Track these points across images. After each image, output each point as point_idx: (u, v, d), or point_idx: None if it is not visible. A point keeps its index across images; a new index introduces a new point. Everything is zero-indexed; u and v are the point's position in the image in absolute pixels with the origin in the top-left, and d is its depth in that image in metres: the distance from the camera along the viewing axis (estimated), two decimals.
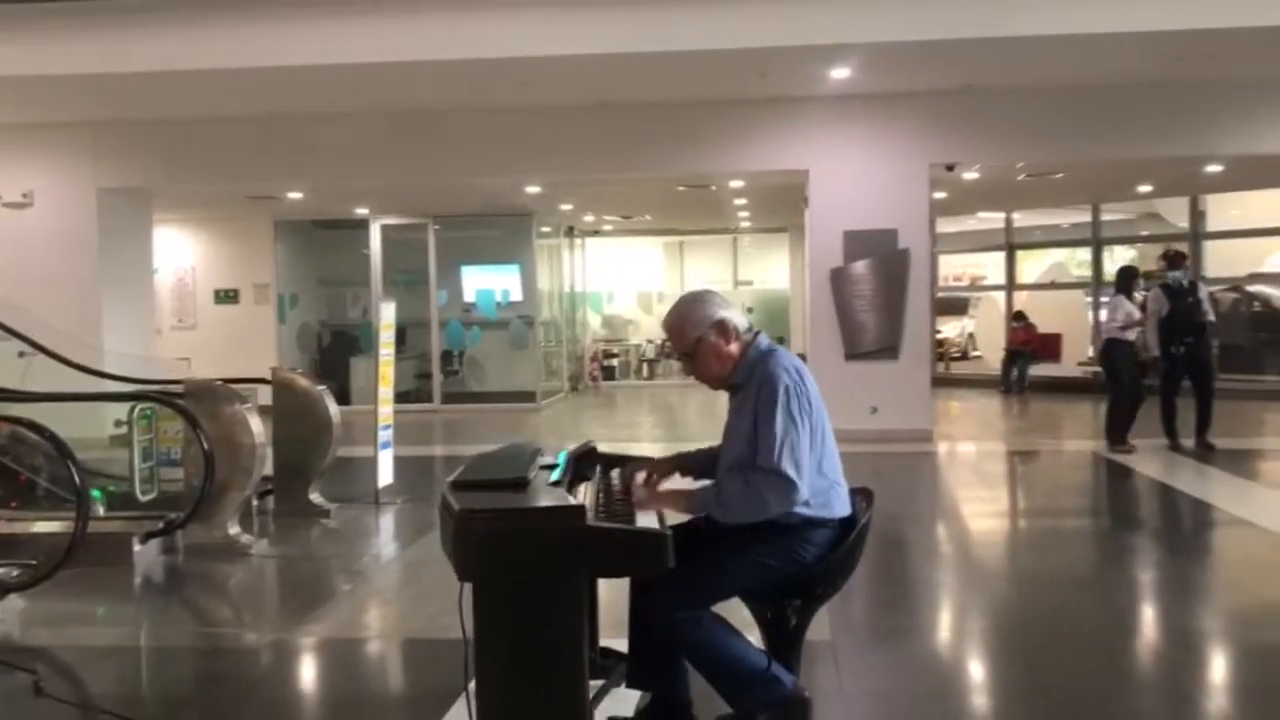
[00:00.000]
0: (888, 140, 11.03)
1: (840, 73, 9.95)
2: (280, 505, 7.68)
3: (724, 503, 3.23)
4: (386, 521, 7.79)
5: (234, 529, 6.63)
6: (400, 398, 8.76)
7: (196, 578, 6.28)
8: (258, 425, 6.69)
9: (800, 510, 3.20)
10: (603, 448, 3.86)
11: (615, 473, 3.62)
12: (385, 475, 8.33)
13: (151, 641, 5.28)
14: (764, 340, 3.39)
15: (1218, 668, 4.65)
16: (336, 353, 16.44)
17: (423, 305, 15.47)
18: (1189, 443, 9.96)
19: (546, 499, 2.93)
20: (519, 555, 2.74)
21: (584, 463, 3.64)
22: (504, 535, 2.76)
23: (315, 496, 7.72)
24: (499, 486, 3.02)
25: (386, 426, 8.45)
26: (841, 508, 3.31)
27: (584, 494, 3.24)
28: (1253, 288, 16.03)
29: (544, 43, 8.99)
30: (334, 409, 7.78)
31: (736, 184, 13.45)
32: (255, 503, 7.44)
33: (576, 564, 2.77)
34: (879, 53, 9.30)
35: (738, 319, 3.36)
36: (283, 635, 5.09)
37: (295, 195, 13.53)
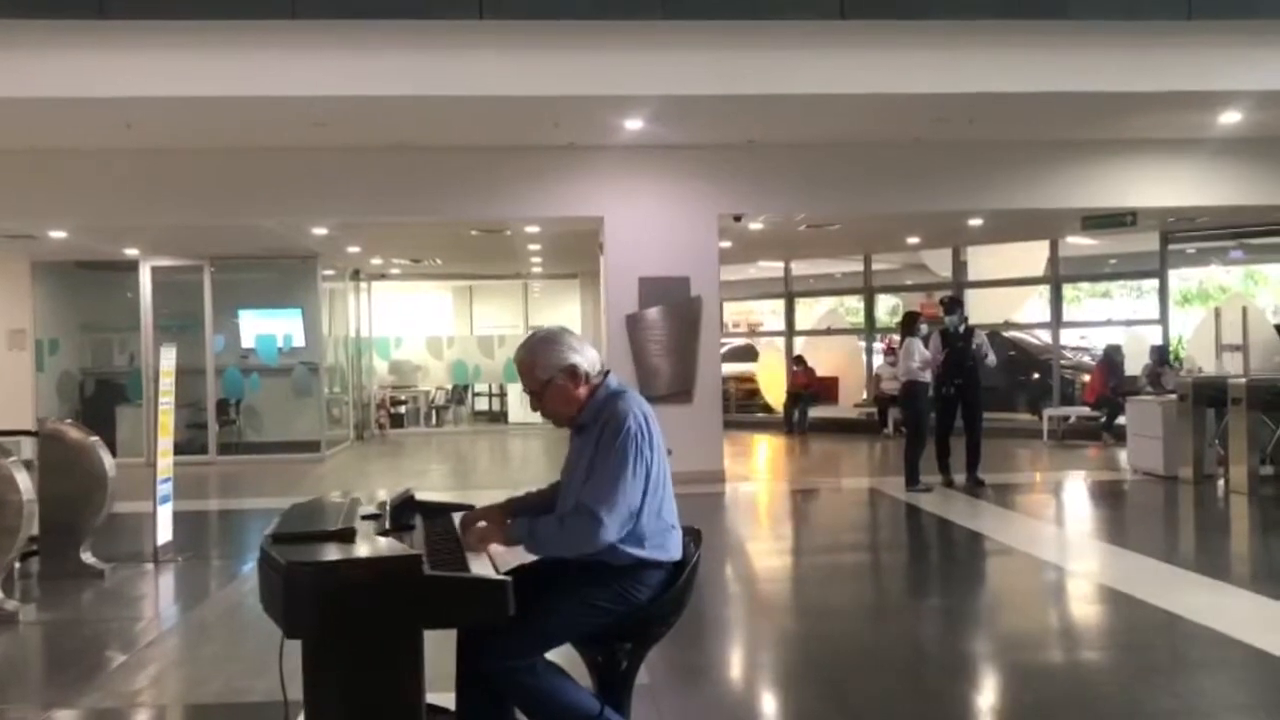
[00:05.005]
0: (680, 190, 11.34)
1: (633, 123, 10.16)
2: (48, 567, 7.11)
3: (537, 537, 3.24)
4: (167, 581, 7.31)
5: None
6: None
7: None
8: (25, 481, 6.16)
9: (634, 552, 3.21)
10: (420, 495, 3.77)
11: (442, 521, 3.53)
12: (165, 532, 7.84)
13: None
14: (614, 381, 3.39)
15: (996, 676, 4.95)
16: (100, 402, 15.39)
17: (198, 352, 14.69)
18: (960, 478, 10.60)
19: (381, 548, 2.82)
20: (355, 608, 2.63)
21: (403, 511, 3.54)
22: (338, 588, 2.64)
23: (88, 556, 7.18)
24: (325, 538, 2.90)
25: (166, 479, 7.97)
26: (676, 550, 3.33)
27: (412, 543, 3.13)
28: (1008, 333, 17.32)
29: (333, 83, 8.75)
30: (109, 462, 7.28)
31: (532, 229, 13.47)
32: (18, 565, 6.82)
33: (415, 614, 2.68)
34: (668, 105, 9.56)
35: (590, 360, 3.35)
36: (61, 709, 4.66)
37: (59, 234, 12.64)
